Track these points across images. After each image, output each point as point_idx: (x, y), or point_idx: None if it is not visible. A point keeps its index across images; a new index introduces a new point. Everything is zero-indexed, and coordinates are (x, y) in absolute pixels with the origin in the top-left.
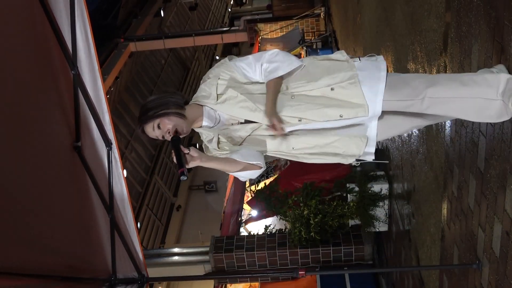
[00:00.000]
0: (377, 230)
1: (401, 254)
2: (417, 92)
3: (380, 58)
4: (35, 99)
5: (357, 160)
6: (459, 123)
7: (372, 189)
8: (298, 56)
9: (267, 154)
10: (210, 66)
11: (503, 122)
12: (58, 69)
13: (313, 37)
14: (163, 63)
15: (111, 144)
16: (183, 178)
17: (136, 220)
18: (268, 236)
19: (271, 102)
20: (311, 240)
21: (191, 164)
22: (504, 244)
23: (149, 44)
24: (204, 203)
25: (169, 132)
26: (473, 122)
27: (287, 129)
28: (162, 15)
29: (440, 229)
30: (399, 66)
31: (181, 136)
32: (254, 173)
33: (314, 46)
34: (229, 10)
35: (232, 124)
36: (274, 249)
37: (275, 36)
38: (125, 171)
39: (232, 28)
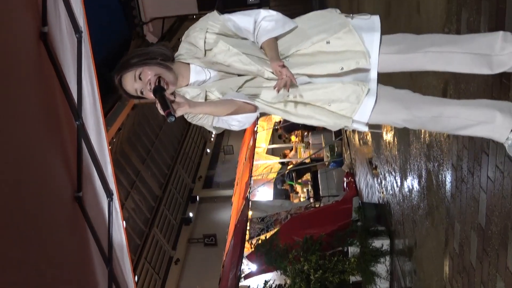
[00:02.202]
0: (378, 287)
1: None
2: (418, 45)
3: (376, 17)
4: (38, 148)
5: (352, 123)
6: (459, 179)
7: (373, 244)
8: None
9: (257, 103)
10: None
11: (503, 178)
12: (63, 119)
13: None
14: None
15: (112, 194)
16: (171, 119)
17: (134, 273)
18: None
19: (274, 53)
20: None
21: (179, 112)
22: None
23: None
24: (203, 256)
25: (150, 84)
26: (473, 177)
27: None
28: None
29: (442, 287)
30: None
31: (166, 92)
32: (250, 117)
33: None
34: None
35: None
36: None
37: None
38: (124, 223)
39: None
